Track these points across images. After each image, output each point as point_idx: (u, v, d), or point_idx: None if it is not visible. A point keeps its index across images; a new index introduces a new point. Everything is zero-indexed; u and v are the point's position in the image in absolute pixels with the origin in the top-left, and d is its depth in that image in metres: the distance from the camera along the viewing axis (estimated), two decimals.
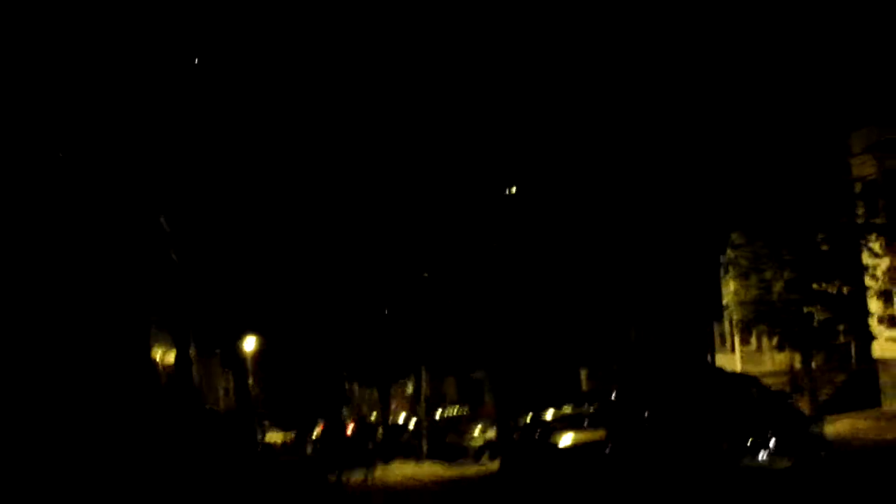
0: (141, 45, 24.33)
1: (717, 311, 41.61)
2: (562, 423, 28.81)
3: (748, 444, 18.92)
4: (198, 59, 26.93)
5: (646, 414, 21.13)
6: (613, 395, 24.17)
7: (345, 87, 30.54)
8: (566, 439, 27.04)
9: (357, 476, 34.55)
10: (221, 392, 64.82)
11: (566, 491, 22.84)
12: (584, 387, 49.27)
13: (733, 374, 23.24)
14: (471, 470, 33.66)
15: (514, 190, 33.46)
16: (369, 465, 35.47)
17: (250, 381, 56.98)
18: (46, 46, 19.42)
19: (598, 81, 30.58)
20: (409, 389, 67.47)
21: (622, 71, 30.67)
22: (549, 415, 30.35)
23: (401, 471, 37.62)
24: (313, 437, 43.53)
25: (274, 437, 58.79)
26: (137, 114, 26.78)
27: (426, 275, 36.76)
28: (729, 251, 36.94)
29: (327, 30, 28.72)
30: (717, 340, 45.05)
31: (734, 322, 39.40)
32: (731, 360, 43.81)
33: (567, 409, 32.50)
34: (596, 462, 23.94)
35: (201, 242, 33.32)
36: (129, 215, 28.13)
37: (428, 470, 36.81)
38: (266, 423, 62.15)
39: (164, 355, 34.39)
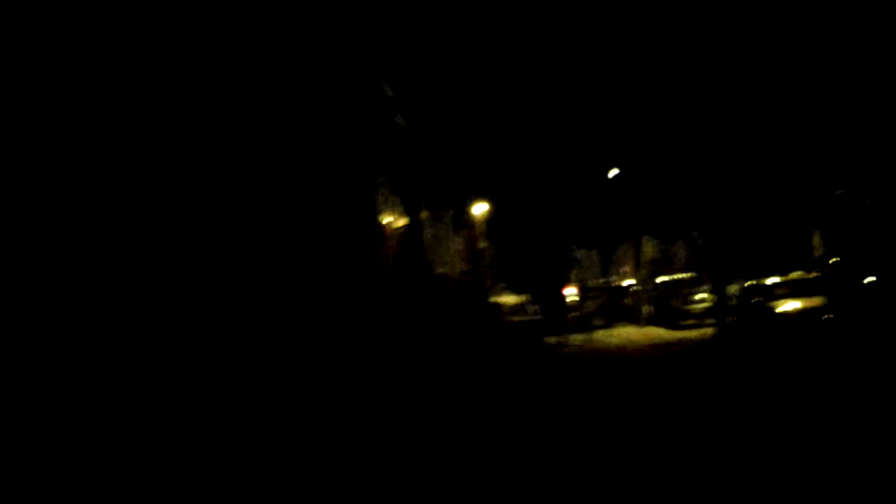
0: None
1: None
2: (783, 289, 28.29)
3: None
4: None
5: (864, 283, 20.51)
6: (833, 261, 23.49)
7: None
8: (784, 306, 26.66)
9: (577, 338, 35.14)
10: (454, 254, 66.40)
11: (780, 357, 22.54)
12: (817, 252, 47.88)
13: None
14: (692, 334, 33.55)
15: None
16: (588, 329, 35.83)
17: (482, 243, 58.11)
18: None
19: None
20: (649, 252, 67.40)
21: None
22: (770, 280, 29.77)
23: (621, 335, 37.92)
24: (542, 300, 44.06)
25: (505, 298, 60.06)
26: None
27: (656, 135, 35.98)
28: None
29: None
30: None
31: None
32: None
33: (794, 275, 31.84)
34: (812, 330, 23.56)
35: (430, 107, 33.87)
36: (351, 82, 28.94)
37: (648, 333, 36.97)
38: (500, 285, 63.55)
39: (395, 219, 35.45)
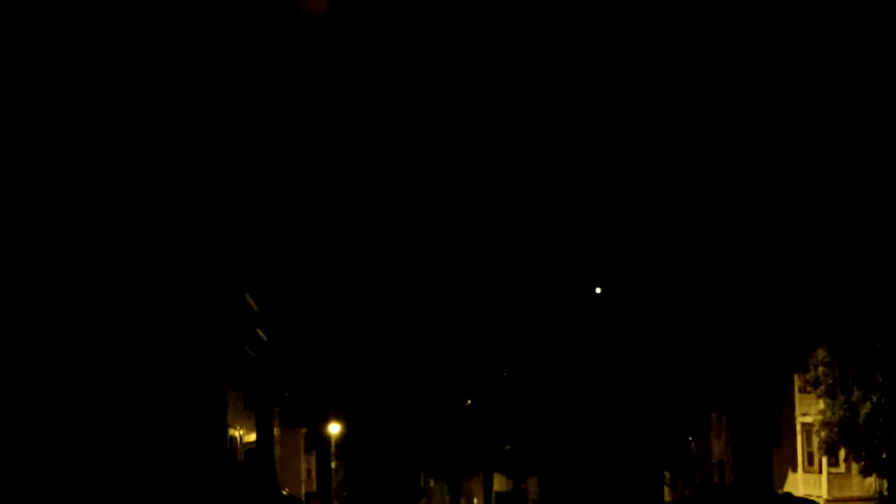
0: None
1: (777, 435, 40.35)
2: None
3: None
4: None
5: None
6: None
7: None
8: None
9: None
10: (304, 473, 64.68)
11: None
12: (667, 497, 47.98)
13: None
14: None
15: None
16: None
17: (333, 463, 56.75)
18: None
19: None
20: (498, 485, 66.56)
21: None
22: None
23: None
24: None
25: None
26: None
27: (504, 374, 36.15)
28: (813, 369, 35.72)
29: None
30: (805, 460, 43.48)
31: (819, 443, 37.92)
32: (818, 482, 42.19)
33: None
34: None
35: (290, 323, 33.43)
36: (216, 294, 28.44)
37: None
38: None
39: (245, 433, 34.31)
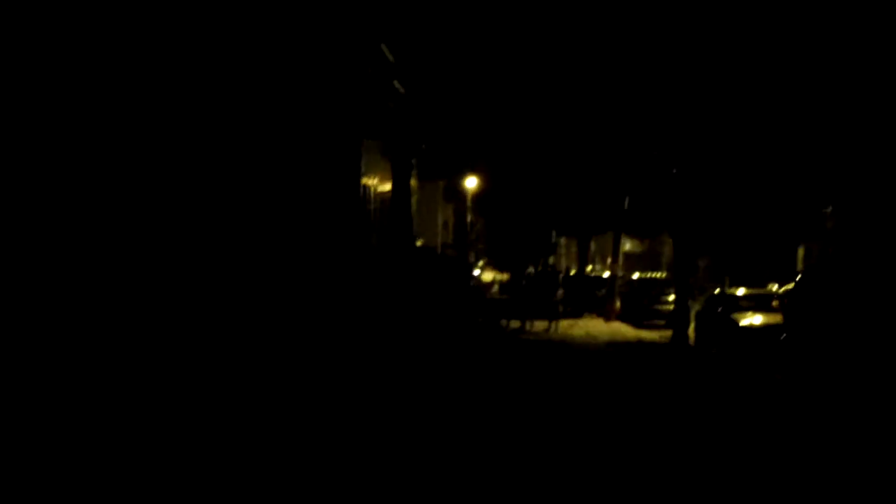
0: None
1: None
2: (749, 301, 27.99)
3: None
4: None
5: (824, 308, 20.13)
6: (797, 279, 23.10)
7: None
8: (747, 319, 26.35)
9: (541, 325, 34.80)
10: (441, 225, 66.20)
11: (735, 372, 22.35)
12: (801, 265, 47.66)
13: None
14: (655, 335, 33.36)
15: None
16: (554, 317, 35.45)
17: (470, 217, 57.83)
18: None
19: None
20: (626, 247, 66.98)
21: None
22: (739, 290, 29.50)
23: (587, 326, 37.68)
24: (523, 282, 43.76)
25: (488, 276, 59.88)
26: None
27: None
28: None
29: None
30: None
31: None
32: None
33: (764, 289, 31.60)
34: (770, 347, 23.28)
35: (431, 76, 33.37)
36: (348, 41, 28.50)
37: (612, 329, 36.76)
38: (483, 259, 63.36)
39: (380, 182, 35.05)
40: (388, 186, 34.87)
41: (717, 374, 21.95)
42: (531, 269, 50.02)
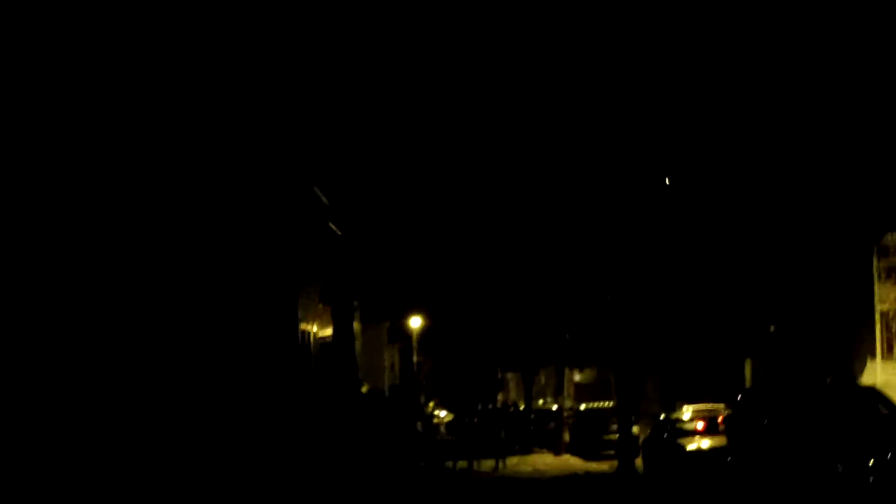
0: None
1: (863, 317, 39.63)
2: (699, 422, 27.69)
3: (867, 465, 17.55)
4: None
5: (765, 422, 19.88)
6: (739, 397, 22.88)
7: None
8: (694, 443, 26.01)
9: (488, 464, 34.15)
10: (387, 366, 65.61)
11: (681, 499, 21.93)
12: (749, 383, 47.54)
13: (861, 388, 21.61)
14: (605, 466, 32.87)
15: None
16: (501, 455, 34.84)
17: (418, 357, 57.48)
18: None
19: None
20: (575, 377, 66.59)
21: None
22: (687, 413, 29.24)
23: (535, 462, 37.08)
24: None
25: (439, 415, 59.25)
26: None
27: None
28: (883, 257, 34.94)
29: None
30: (884, 348, 42.86)
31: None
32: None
33: (707, 408, 31.31)
34: (716, 471, 22.90)
35: (364, 216, 33.26)
36: (280, 187, 28.40)
37: (562, 463, 36.19)
38: (433, 401, 62.77)
39: (320, 328, 34.61)
40: (329, 331, 34.44)
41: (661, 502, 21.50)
42: (479, 407, 49.48)
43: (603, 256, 30.51)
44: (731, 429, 22.63)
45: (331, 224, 34.49)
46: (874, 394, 20.71)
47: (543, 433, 44.15)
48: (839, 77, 27.89)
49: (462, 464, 34.37)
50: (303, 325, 32.56)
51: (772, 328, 43.52)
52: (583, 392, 73.53)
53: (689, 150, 30.05)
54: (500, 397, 61.26)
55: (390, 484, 23.41)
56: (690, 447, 25.82)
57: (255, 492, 19.22)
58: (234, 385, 25.48)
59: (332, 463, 25.00)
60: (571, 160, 30.63)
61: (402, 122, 29.90)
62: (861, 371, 44.33)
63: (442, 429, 51.00)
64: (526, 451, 41.94)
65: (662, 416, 30.39)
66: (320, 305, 34.20)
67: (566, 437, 41.44)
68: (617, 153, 30.17)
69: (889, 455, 17.53)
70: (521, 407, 53.44)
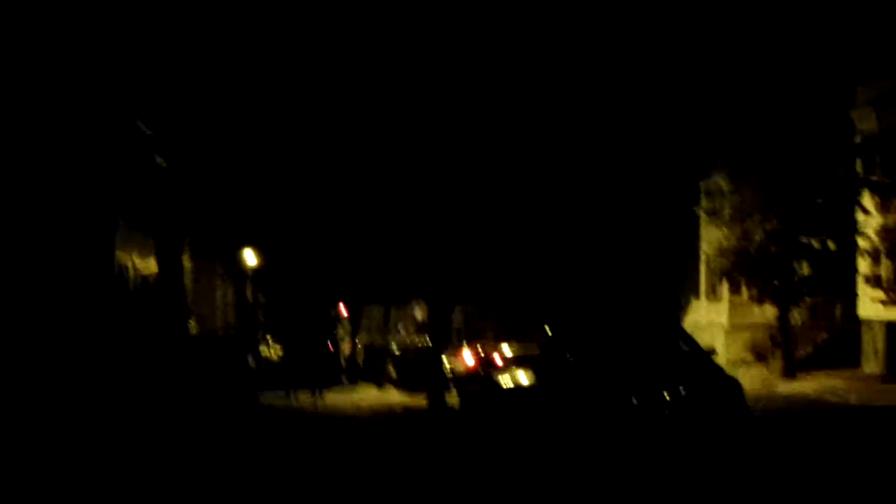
0: None
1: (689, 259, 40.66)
2: (516, 360, 27.77)
3: (662, 399, 17.78)
4: None
5: (569, 357, 19.95)
6: (546, 335, 22.92)
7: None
8: (508, 379, 26.02)
9: (306, 399, 33.65)
10: (221, 304, 64.43)
11: (495, 433, 21.90)
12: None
13: (665, 326, 21.87)
14: (426, 401, 32.73)
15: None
16: (317, 389, 34.38)
17: (254, 295, 56.48)
18: None
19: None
20: (418, 315, 66.65)
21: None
22: (505, 347, 29.32)
23: (357, 396, 36.88)
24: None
25: (273, 352, 58.47)
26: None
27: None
28: (708, 199, 35.82)
29: None
30: (708, 289, 44.14)
31: (715, 271, 38.34)
32: (719, 310, 42.86)
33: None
34: (528, 405, 22.97)
35: (196, 148, 32.18)
36: (92, 118, 27.36)
37: (383, 398, 36.06)
38: (268, 337, 61.94)
39: (142, 262, 33.50)
40: (152, 267, 33.29)
41: (467, 439, 21.36)
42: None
43: (420, 192, 30.31)
44: (540, 365, 22.76)
45: (156, 157, 33.24)
46: (677, 330, 21.05)
47: (371, 368, 44.31)
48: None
49: (277, 400, 33.59)
50: (122, 258, 31.53)
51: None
52: (425, 330, 74.03)
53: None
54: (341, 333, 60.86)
55: (181, 425, 22.38)
56: (506, 383, 25.82)
57: (40, 437, 18.44)
58: (32, 310, 24.63)
59: (135, 404, 24.21)
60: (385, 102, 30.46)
61: (221, 50, 28.96)
62: (686, 309, 45.59)
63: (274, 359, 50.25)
64: (353, 384, 42.12)
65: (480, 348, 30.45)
66: (146, 239, 33.01)
67: (393, 372, 41.45)
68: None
69: (682, 389, 17.85)
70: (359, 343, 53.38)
